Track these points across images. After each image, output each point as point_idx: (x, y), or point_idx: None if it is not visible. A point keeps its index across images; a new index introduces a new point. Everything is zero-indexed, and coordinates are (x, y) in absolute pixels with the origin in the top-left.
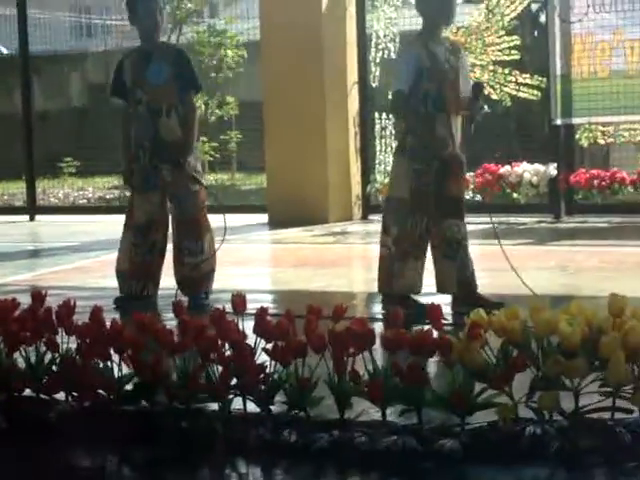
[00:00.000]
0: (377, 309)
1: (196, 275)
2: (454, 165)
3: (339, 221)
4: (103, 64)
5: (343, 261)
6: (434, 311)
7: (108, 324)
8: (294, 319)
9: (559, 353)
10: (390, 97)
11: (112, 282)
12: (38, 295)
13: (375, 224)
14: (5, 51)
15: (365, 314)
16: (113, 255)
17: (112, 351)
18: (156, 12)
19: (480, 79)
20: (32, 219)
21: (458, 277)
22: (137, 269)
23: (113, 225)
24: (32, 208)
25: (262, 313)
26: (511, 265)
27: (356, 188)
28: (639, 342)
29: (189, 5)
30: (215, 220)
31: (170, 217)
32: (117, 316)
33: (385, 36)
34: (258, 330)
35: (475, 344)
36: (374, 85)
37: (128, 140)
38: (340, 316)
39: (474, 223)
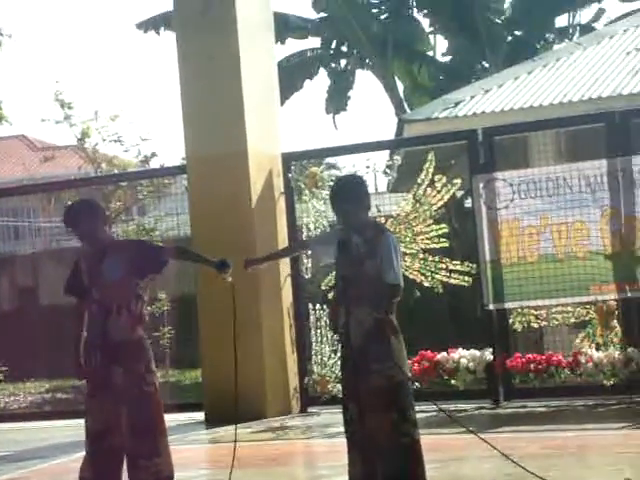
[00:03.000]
0: None
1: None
2: (356, 355)
3: (278, 415)
4: (31, 267)
5: (284, 459)
6: None
7: None
8: None
9: None
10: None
11: None
12: None
13: (314, 417)
14: None
15: None
16: (47, 464)
17: None
18: (92, 221)
19: (411, 267)
20: None
21: (385, 474)
22: (97, 476)
23: (46, 431)
24: None
25: None
26: (502, 453)
27: (294, 380)
28: None
29: (118, 204)
30: None
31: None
32: None
33: (316, 228)
34: None
35: None
36: (307, 277)
37: (77, 340)
38: None
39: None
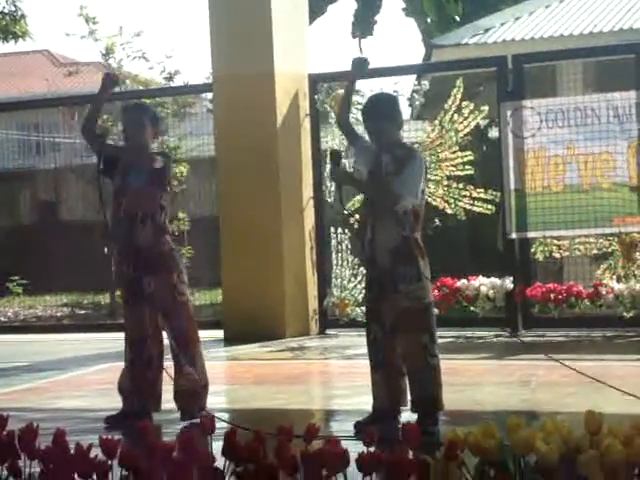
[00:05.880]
0: (339, 427)
1: (194, 387)
2: (383, 275)
3: (296, 336)
4: (52, 181)
5: (302, 378)
6: (410, 430)
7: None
8: (264, 440)
9: (537, 472)
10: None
11: (67, 403)
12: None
13: (332, 339)
14: None
15: (329, 433)
16: (66, 375)
17: (76, 476)
18: (139, 125)
19: (435, 194)
20: None
21: (416, 394)
22: (136, 386)
23: (64, 344)
24: None
25: (231, 435)
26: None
27: (313, 303)
28: (617, 460)
29: None
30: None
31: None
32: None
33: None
34: (227, 452)
35: (452, 464)
36: (329, 200)
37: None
38: (313, 436)
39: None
